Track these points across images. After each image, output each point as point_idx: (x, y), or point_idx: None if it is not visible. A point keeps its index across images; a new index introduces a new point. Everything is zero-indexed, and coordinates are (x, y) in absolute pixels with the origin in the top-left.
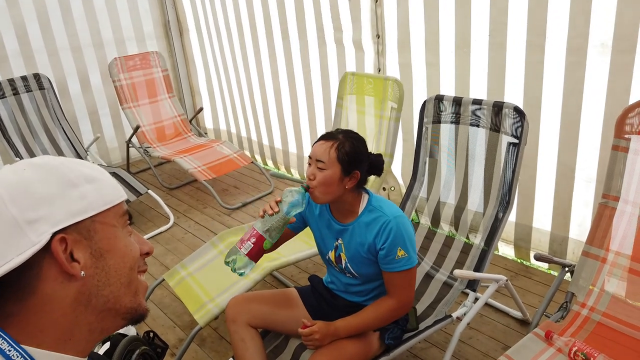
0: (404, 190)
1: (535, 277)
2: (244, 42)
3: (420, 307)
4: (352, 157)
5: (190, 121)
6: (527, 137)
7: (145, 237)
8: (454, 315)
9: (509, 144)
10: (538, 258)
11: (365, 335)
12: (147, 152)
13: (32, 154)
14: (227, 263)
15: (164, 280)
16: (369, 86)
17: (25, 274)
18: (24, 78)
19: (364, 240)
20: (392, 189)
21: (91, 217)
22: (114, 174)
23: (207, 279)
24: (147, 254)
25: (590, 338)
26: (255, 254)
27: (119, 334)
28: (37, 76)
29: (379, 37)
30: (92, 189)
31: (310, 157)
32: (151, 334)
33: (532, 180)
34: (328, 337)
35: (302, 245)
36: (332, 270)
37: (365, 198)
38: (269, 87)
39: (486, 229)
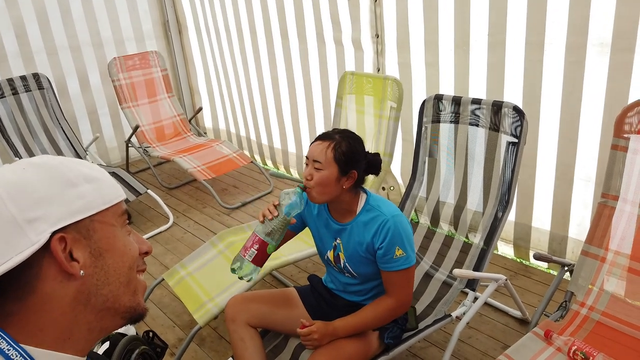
0: (403, 190)
1: (535, 276)
2: (243, 42)
3: (420, 307)
4: (349, 157)
5: (190, 121)
6: (526, 136)
7: (145, 236)
8: (454, 314)
9: (508, 143)
10: (537, 257)
11: (365, 334)
12: (147, 151)
13: (31, 154)
14: (233, 270)
15: (163, 279)
16: (368, 86)
17: (25, 273)
18: (23, 78)
19: (362, 240)
20: (392, 188)
21: (90, 216)
22: (114, 174)
23: (207, 278)
24: (146, 253)
25: (589, 337)
26: (259, 260)
27: (119, 333)
28: (36, 76)
29: (378, 37)
30: (91, 189)
31: (307, 157)
32: (150, 334)
33: (532, 180)
34: (327, 337)
35: (302, 245)
36: (331, 270)
37: (363, 197)
38: (268, 87)
39: (485, 228)
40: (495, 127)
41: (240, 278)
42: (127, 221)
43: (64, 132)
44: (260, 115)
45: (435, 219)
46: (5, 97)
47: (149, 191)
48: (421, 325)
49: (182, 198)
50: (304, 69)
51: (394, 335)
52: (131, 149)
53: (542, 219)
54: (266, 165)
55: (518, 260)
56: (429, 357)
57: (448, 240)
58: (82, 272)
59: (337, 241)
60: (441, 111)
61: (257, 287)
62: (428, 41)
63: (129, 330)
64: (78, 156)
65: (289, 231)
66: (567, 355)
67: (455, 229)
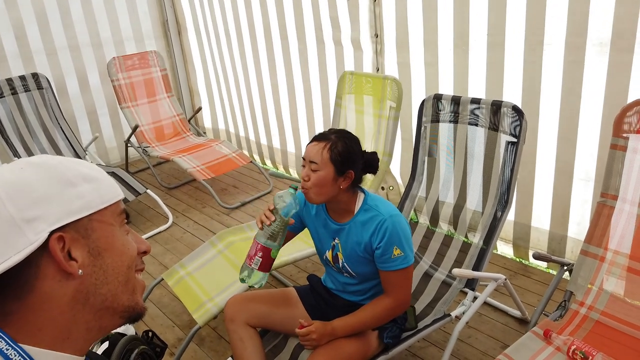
0: (402, 190)
1: (534, 276)
2: (242, 42)
3: (419, 306)
4: (345, 157)
5: (189, 121)
6: (525, 136)
7: (144, 236)
8: (453, 314)
9: (508, 142)
10: (537, 257)
11: (364, 334)
12: (146, 151)
13: (30, 154)
14: (242, 280)
15: (162, 279)
16: (368, 85)
17: (23, 272)
18: (22, 78)
19: (360, 240)
20: (391, 188)
21: (88, 215)
22: (113, 174)
23: (206, 278)
24: (145, 252)
25: (588, 337)
26: (266, 266)
27: (118, 333)
28: (35, 76)
29: (377, 37)
30: (90, 188)
31: (304, 158)
32: (150, 334)
33: (531, 179)
34: (325, 337)
35: (301, 245)
36: (330, 270)
37: (361, 197)
38: (267, 87)
39: (485, 227)
40: (494, 127)
41: (251, 286)
42: (126, 220)
43: (63, 132)
44: (259, 115)
45: (434, 219)
46: (4, 97)
47: (148, 191)
48: (420, 324)
49: (182, 198)
50: (303, 69)
51: (393, 335)
52: (130, 149)
53: (541, 219)
54: (265, 165)
55: (517, 259)
56: (428, 356)
57: (447, 240)
58: (80, 271)
59: (336, 241)
60: (440, 111)
61: None
62: (427, 41)
63: (129, 330)
64: (77, 156)
65: (289, 232)
66: (566, 355)
67: (455, 228)
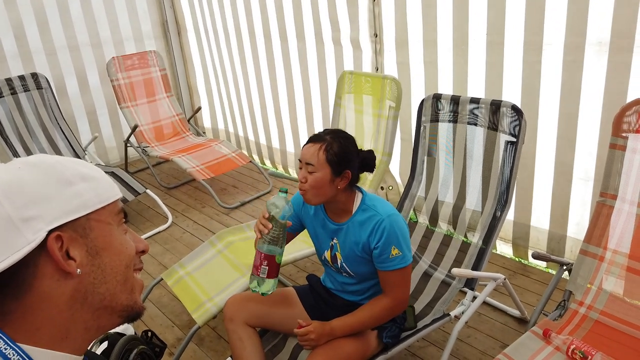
0: (402, 189)
1: (533, 275)
2: (241, 42)
3: (419, 306)
4: (341, 157)
5: (189, 120)
6: (524, 135)
7: (144, 236)
8: (452, 313)
9: (507, 142)
10: (536, 256)
11: (363, 334)
12: (146, 151)
13: (30, 154)
14: (253, 290)
15: (162, 279)
16: (367, 85)
17: (21, 272)
18: (21, 77)
19: (359, 239)
20: (390, 188)
21: (86, 215)
22: (112, 174)
23: (206, 278)
24: (143, 251)
25: (588, 336)
26: (273, 272)
27: (117, 333)
28: (34, 75)
29: (376, 36)
30: (88, 187)
31: (300, 160)
32: (149, 333)
33: (530, 179)
34: (324, 337)
35: (301, 245)
36: (329, 270)
37: (359, 197)
38: (266, 87)
39: (484, 227)
40: (493, 127)
41: (263, 294)
42: (124, 220)
43: (62, 132)
44: (259, 115)
45: (434, 218)
46: (3, 97)
47: (147, 191)
48: (420, 324)
49: (181, 198)
50: (302, 69)
51: (393, 335)
52: (130, 149)
53: (540, 218)
54: (265, 165)
55: (517, 259)
56: (427, 356)
57: (447, 240)
58: (78, 270)
59: (334, 241)
60: (440, 110)
61: None
62: (427, 40)
63: (128, 329)
64: (77, 156)
65: (289, 233)
66: (565, 354)
67: (454, 228)
